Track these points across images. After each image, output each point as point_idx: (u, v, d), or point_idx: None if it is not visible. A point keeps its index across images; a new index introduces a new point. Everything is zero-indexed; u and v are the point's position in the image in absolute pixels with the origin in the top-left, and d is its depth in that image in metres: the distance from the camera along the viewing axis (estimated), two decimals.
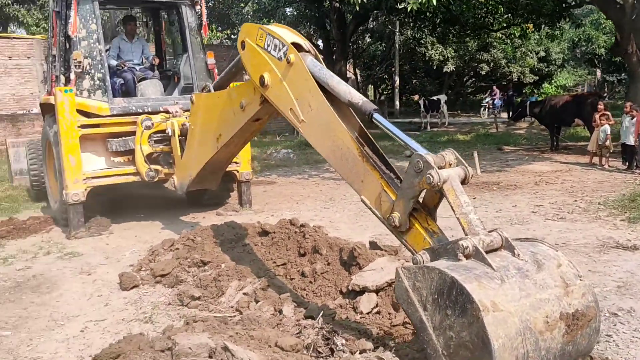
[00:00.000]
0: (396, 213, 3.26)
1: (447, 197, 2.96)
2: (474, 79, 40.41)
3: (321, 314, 3.96)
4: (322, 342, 3.61)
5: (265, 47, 4.29)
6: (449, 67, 32.04)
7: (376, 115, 3.50)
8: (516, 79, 35.21)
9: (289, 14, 25.68)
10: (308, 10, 24.30)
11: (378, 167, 3.51)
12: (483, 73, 34.91)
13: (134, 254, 6.28)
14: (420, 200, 3.27)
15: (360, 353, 3.34)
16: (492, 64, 33.91)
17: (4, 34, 21.40)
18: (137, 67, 8.29)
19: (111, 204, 8.10)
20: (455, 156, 3.12)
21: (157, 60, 8.61)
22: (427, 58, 31.77)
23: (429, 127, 24.41)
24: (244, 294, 4.56)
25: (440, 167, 3.03)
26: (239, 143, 5.59)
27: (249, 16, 23.91)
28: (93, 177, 7.25)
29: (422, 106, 25.00)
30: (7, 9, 24.94)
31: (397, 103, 34.60)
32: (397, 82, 34.10)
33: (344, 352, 3.45)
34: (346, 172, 3.72)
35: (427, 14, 18.66)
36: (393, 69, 34.18)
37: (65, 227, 7.48)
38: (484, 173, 11.56)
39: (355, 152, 3.60)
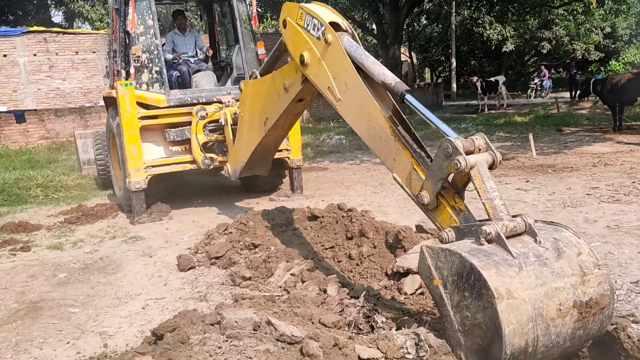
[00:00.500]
0: (425, 192, 3.36)
1: (474, 182, 3.04)
2: (535, 58, 39.09)
3: (363, 293, 4.12)
4: (363, 320, 3.77)
5: (305, 26, 4.40)
6: (508, 46, 31.11)
7: (408, 97, 3.57)
8: (580, 57, 33.86)
9: None
10: None
11: (409, 146, 3.59)
12: (545, 52, 33.72)
13: (191, 237, 6.62)
14: (450, 179, 3.34)
15: (397, 329, 3.49)
16: (554, 42, 32.69)
17: (70, 30, 22.40)
18: (192, 60, 8.63)
19: (171, 191, 8.50)
20: (485, 141, 3.18)
21: (210, 52, 8.92)
22: (485, 38, 30.97)
23: (486, 110, 23.92)
24: (292, 274, 4.77)
25: (469, 152, 3.11)
26: (285, 125, 5.74)
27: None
28: (153, 166, 7.63)
29: (479, 88, 24.53)
30: (73, 5, 26.14)
31: (454, 85, 34.05)
32: (454, 64, 33.50)
33: (383, 329, 3.61)
34: (379, 150, 3.81)
35: None
36: (450, 51, 33.59)
37: (129, 213, 7.95)
38: (540, 155, 11.34)
39: (387, 131, 3.68)
